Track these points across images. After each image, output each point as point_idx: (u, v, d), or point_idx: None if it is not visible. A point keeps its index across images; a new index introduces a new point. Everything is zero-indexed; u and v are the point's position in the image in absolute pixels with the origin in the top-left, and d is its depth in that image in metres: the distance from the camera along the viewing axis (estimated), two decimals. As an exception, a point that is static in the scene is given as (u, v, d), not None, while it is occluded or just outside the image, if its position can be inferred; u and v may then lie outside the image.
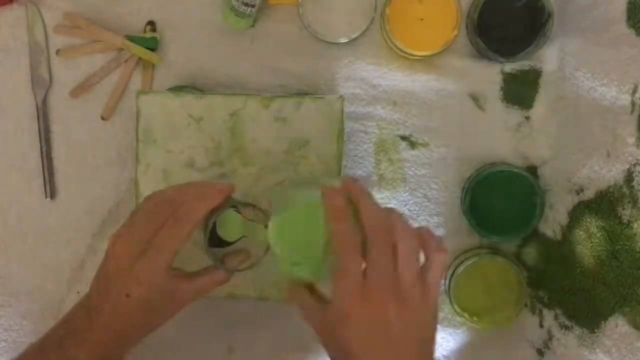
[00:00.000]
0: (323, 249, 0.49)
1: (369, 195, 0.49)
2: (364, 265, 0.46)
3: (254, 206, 0.55)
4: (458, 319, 0.68)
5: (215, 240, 0.55)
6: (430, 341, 0.47)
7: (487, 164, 0.68)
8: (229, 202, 0.55)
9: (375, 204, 0.49)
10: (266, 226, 0.54)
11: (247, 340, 0.70)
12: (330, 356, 0.49)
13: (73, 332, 0.52)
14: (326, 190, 0.49)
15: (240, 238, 0.55)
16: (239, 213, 0.55)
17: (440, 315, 0.69)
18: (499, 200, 0.66)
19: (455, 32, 0.64)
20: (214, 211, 0.53)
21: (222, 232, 0.54)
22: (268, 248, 0.54)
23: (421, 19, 0.65)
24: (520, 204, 0.66)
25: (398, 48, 0.65)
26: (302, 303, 0.50)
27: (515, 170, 0.65)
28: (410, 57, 0.66)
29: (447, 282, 0.68)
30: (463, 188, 0.68)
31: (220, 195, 0.53)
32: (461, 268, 0.66)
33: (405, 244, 0.46)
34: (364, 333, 0.45)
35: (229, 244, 0.56)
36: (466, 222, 0.67)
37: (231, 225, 0.54)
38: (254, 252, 0.56)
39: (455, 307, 0.66)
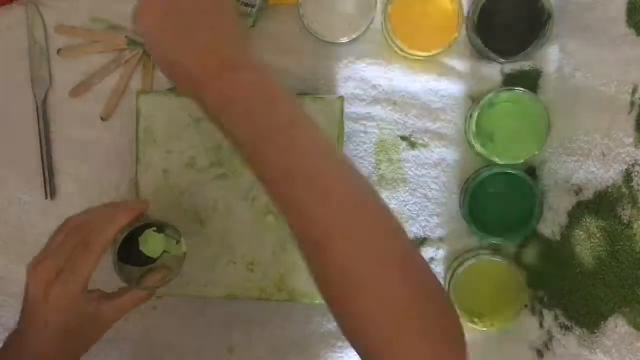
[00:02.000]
0: None
1: None
2: None
3: (166, 223, 0.56)
4: (458, 319, 0.68)
5: (140, 258, 0.56)
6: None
7: (485, 166, 0.68)
8: (143, 220, 0.55)
9: None
10: (178, 241, 0.56)
11: (247, 340, 0.70)
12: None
13: None
14: None
15: (162, 254, 0.57)
16: (157, 231, 0.56)
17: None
18: (497, 202, 0.66)
19: (456, 33, 0.64)
20: (124, 230, 0.54)
21: (145, 250, 0.56)
22: (183, 262, 0.56)
23: (422, 19, 0.65)
24: (519, 205, 0.66)
25: (399, 47, 0.65)
26: None
27: (513, 172, 0.65)
28: (411, 57, 0.66)
29: (447, 282, 0.68)
30: (461, 190, 0.68)
31: (128, 215, 0.53)
32: (461, 269, 0.66)
33: None
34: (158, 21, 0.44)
35: (146, 262, 0.57)
36: (465, 224, 0.67)
37: (152, 242, 0.55)
38: (173, 267, 0.57)
39: (455, 307, 0.66)
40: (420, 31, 0.65)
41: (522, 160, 0.65)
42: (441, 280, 0.70)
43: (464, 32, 0.67)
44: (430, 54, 0.65)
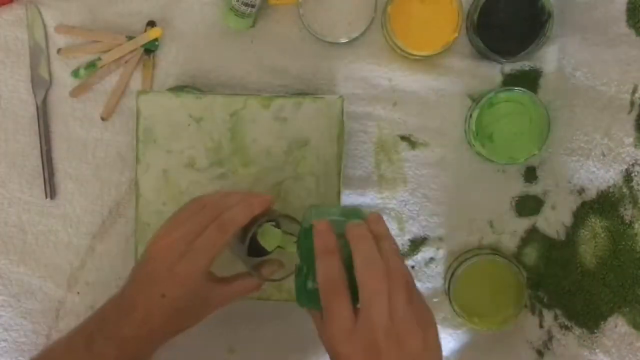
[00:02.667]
0: None
1: (390, 237, 0.48)
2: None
3: (292, 218, 0.55)
4: (458, 319, 0.68)
5: (252, 249, 0.55)
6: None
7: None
8: (269, 214, 0.55)
9: (394, 246, 0.48)
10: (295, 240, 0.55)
11: (247, 340, 0.70)
12: None
13: (103, 328, 0.52)
14: (319, 226, 0.48)
15: (276, 249, 0.56)
16: (278, 224, 0.55)
17: (441, 315, 0.69)
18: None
19: (456, 33, 0.64)
20: (254, 221, 0.53)
21: (262, 242, 0.55)
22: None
23: (422, 19, 0.65)
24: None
25: (398, 47, 0.65)
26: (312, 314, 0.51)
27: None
28: (410, 56, 0.66)
29: (447, 282, 0.68)
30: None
31: (262, 206, 0.54)
32: (461, 269, 0.66)
33: (399, 294, 0.45)
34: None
35: (266, 253, 0.56)
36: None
37: (269, 236, 0.55)
38: (287, 264, 0.57)
39: (455, 307, 0.66)
40: (420, 31, 0.65)
41: (522, 160, 0.65)
42: (441, 280, 0.70)
43: (464, 31, 0.67)
44: (430, 53, 0.65)
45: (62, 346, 0.53)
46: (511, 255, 0.69)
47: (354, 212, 0.53)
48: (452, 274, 0.66)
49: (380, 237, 0.48)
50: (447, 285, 0.68)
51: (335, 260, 0.47)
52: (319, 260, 0.47)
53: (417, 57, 0.66)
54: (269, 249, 0.56)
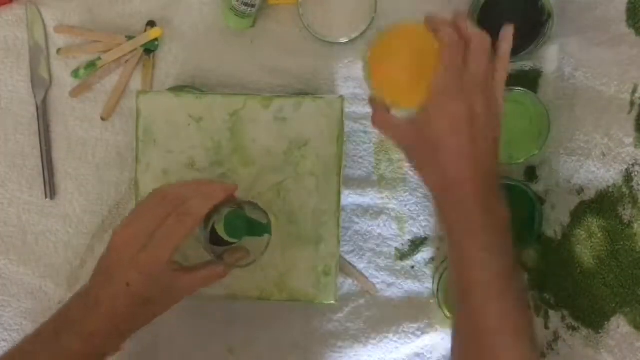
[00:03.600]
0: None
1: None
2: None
3: (255, 204, 0.56)
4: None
5: (215, 238, 0.56)
6: (497, 143, 0.53)
7: None
8: (231, 202, 0.55)
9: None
10: (267, 223, 0.55)
11: (247, 340, 0.70)
12: (415, 162, 0.56)
13: (69, 323, 0.52)
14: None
15: (242, 239, 0.56)
16: (243, 211, 0.55)
17: (440, 315, 0.69)
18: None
19: None
20: (216, 209, 0.54)
21: (226, 231, 0.55)
22: (266, 248, 0.56)
23: (408, 71, 0.55)
24: (519, 215, 0.65)
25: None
26: (388, 124, 0.55)
27: (512, 183, 0.65)
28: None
29: (436, 285, 0.68)
30: None
31: (223, 194, 0.54)
32: (447, 273, 0.66)
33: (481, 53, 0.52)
34: (455, 123, 0.51)
35: (228, 243, 0.56)
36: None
37: (235, 224, 0.54)
38: (253, 251, 0.57)
39: (445, 311, 0.66)
40: (407, 85, 0.55)
41: (522, 160, 0.65)
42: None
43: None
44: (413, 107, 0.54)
45: (30, 341, 0.54)
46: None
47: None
48: (441, 277, 0.66)
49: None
50: (435, 289, 0.68)
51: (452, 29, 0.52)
52: (441, 26, 0.52)
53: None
54: (235, 237, 0.55)
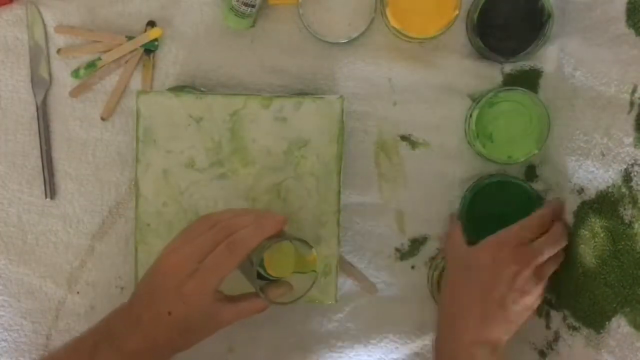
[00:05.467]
0: None
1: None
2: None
3: (304, 241, 0.55)
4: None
5: (258, 270, 0.55)
6: (503, 338, 0.58)
7: (485, 176, 0.68)
8: (281, 235, 0.54)
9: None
10: (313, 260, 0.55)
11: (247, 340, 0.70)
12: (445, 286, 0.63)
13: (109, 338, 0.52)
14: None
15: (288, 275, 0.55)
16: (290, 246, 0.55)
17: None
18: (497, 210, 0.66)
19: (457, 11, 0.63)
20: (265, 241, 0.53)
21: (271, 266, 0.54)
22: (312, 286, 0.55)
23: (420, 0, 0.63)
24: (519, 213, 0.65)
25: (399, 33, 0.64)
26: (452, 233, 0.64)
27: (513, 180, 0.65)
28: (413, 41, 0.65)
29: (429, 283, 0.68)
30: (461, 200, 0.68)
31: (274, 226, 0.53)
32: (437, 272, 0.66)
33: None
34: (489, 283, 0.57)
35: (268, 277, 0.55)
36: (465, 223, 0.67)
37: (281, 260, 0.54)
38: (297, 287, 0.56)
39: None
40: (419, 13, 0.63)
41: (522, 160, 0.65)
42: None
43: (463, 31, 0.67)
44: (432, 35, 0.64)
45: (66, 353, 0.53)
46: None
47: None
48: (440, 274, 0.66)
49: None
50: (430, 288, 0.68)
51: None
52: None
53: (419, 41, 0.65)
54: (281, 276, 0.55)
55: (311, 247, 0.54)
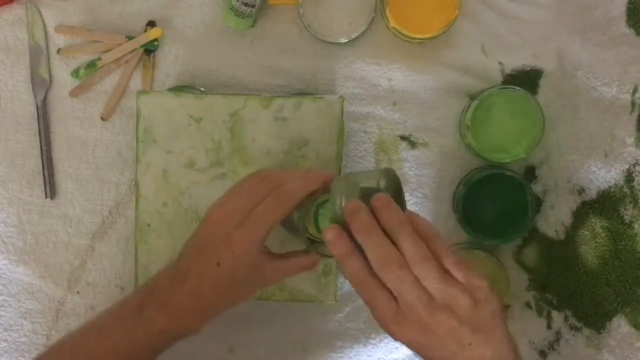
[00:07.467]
0: None
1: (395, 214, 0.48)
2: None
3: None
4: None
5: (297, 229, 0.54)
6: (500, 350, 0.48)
7: (477, 168, 0.67)
8: (327, 191, 0.53)
9: (405, 226, 0.47)
10: None
11: (247, 340, 0.70)
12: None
13: (154, 296, 0.52)
14: (350, 209, 0.47)
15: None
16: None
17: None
18: (491, 204, 0.66)
19: (457, 11, 0.63)
20: (311, 197, 0.53)
21: (319, 220, 0.53)
22: None
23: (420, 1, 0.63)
24: (513, 206, 0.65)
25: (399, 33, 0.64)
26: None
27: (506, 173, 0.65)
28: (412, 41, 0.65)
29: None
30: (454, 194, 0.68)
31: (321, 180, 0.53)
32: None
33: (423, 265, 0.45)
34: (412, 343, 0.48)
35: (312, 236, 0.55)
36: (459, 226, 0.66)
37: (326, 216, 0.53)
38: None
39: None
40: (419, 13, 0.63)
41: (520, 157, 0.65)
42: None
43: (463, 27, 0.67)
44: (432, 35, 0.64)
45: (112, 313, 0.53)
46: (511, 255, 0.69)
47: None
48: None
49: (390, 222, 0.46)
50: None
51: (356, 261, 0.47)
52: (342, 265, 0.47)
53: (419, 41, 0.65)
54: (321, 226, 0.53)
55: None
